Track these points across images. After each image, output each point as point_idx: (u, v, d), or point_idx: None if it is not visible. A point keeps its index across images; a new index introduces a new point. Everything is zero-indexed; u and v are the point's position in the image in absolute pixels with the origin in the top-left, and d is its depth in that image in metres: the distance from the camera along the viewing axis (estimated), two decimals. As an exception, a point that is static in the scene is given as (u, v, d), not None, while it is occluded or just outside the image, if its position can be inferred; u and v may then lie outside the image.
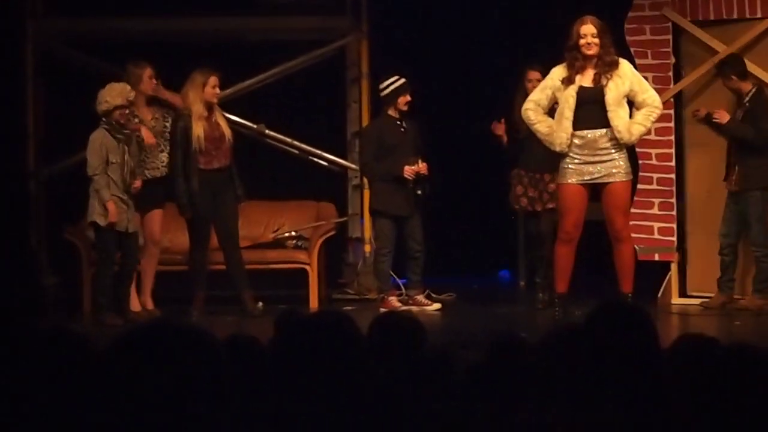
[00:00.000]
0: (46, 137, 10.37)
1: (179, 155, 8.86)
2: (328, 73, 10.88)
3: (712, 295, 9.08)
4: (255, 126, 10.59)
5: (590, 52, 8.21)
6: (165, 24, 10.39)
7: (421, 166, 9.16)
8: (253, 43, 10.70)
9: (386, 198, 9.25)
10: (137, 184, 8.68)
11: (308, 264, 9.74)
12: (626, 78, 8.25)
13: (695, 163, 9.43)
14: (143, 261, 9.02)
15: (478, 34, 11.31)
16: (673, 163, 9.31)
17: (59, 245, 9.78)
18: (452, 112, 11.31)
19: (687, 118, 9.42)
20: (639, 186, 9.13)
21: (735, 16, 9.23)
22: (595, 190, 8.35)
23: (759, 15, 9.17)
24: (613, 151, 8.22)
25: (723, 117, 9.02)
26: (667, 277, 9.37)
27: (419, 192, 9.20)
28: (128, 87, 8.67)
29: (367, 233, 10.51)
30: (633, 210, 8.78)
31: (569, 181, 8.27)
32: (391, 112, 9.31)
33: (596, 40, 8.21)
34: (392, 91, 9.24)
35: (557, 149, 8.28)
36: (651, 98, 8.30)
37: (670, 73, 9.31)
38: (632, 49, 9.22)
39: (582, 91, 8.21)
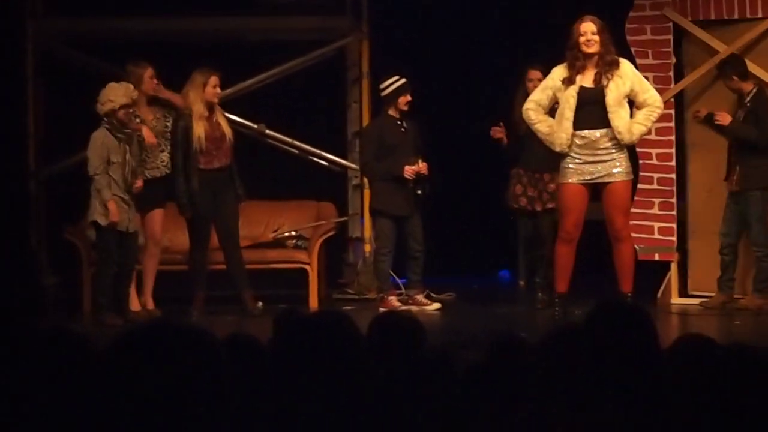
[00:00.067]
0: (46, 137, 10.37)
1: (180, 155, 8.87)
2: (329, 73, 10.88)
3: (713, 294, 9.09)
4: (255, 126, 10.59)
5: (590, 50, 8.21)
6: (165, 24, 10.39)
7: (422, 166, 9.16)
8: (253, 43, 10.71)
9: (386, 198, 9.25)
10: (138, 183, 8.68)
11: (308, 264, 9.74)
12: (627, 78, 8.25)
13: (696, 163, 9.43)
14: (144, 261, 9.02)
15: (478, 34, 11.31)
16: (673, 163, 9.31)
17: (59, 245, 9.77)
18: (452, 112, 11.32)
19: (688, 118, 9.42)
20: (639, 186, 9.13)
21: (736, 16, 9.23)
22: (596, 190, 8.35)
23: (760, 15, 9.17)
24: (613, 151, 8.22)
25: (725, 119, 9.02)
26: (667, 277, 9.37)
27: (419, 192, 9.21)
28: (131, 86, 8.68)
29: (367, 233, 10.51)
30: (633, 210, 8.78)
31: (570, 180, 8.27)
32: (392, 111, 9.31)
33: (596, 38, 8.21)
34: (393, 91, 9.25)
35: (558, 149, 8.28)
36: (652, 98, 8.30)
37: (671, 73, 9.31)
38: (633, 49, 9.22)
39: (583, 92, 8.21)
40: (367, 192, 10.12)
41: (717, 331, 8.01)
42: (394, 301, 9.28)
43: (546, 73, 8.63)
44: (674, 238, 9.33)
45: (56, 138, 10.31)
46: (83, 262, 9.44)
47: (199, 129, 8.84)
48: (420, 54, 11.02)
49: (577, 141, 8.23)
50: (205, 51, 10.08)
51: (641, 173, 9.19)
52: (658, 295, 9.32)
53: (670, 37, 9.34)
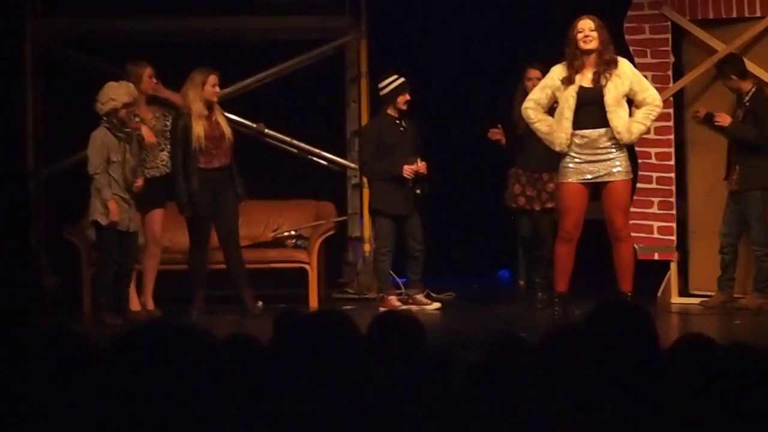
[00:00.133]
0: (46, 137, 10.38)
1: (179, 154, 8.86)
2: (328, 73, 10.88)
3: (713, 294, 9.09)
4: (254, 125, 10.59)
5: (588, 46, 8.19)
6: (165, 24, 10.40)
7: (420, 166, 9.16)
8: (252, 43, 10.71)
9: (385, 197, 9.25)
10: (139, 183, 8.68)
11: (308, 263, 9.74)
12: (625, 78, 8.24)
13: (697, 163, 9.43)
14: (144, 261, 9.02)
15: (478, 33, 11.31)
16: (672, 163, 9.32)
17: (59, 245, 9.77)
18: (452, 112, 11.32)
19: (688, 117, 9.43)
20: (638, 185, 9.13)
21: (734, 15, 9.23)
22: (595, 189, 8.34)
23: (758, 14, 9.17)
24: (613, 150, 8.22)
25: (724, 120, 9.02)
26: (667, 277, 9.37)
27: (418, 191, 9.21)
28: (132, 85, 8.68)
29: (367, 232, 10.52)
30: (632, 209, 8.77)
31: (569, 180, 8.27)
32: (391, 111, 9.31)
33: (594, 34, 8.20)
34: (392, 90, 9.25)
35: (557, 149, 8.27)
36: (651, 97, 8.29)
37: (670, 72, 9.31)
38: (631, 48, 9.22)
39: (582, 92, 8.20)
40: (366, 191, 10.12)
41: (717, 330, 8.01)
42: (394, 300, 9.28)
43: (545, 72, 8.63)
44: (674, 238, 9.33)
45: (56, 138, 10.32)
46: (83, 262, 9.44)
47: (198, 128, 8.84)
48: (419, 53, 11.02)
49: (577, 141, 8.23)
50: (204, 50, 10.09)
51: (640, 173, 9.19)
52: (658, 294, 9.32)
53: (669, 36, 9.34)
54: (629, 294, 8.27)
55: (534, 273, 9.67)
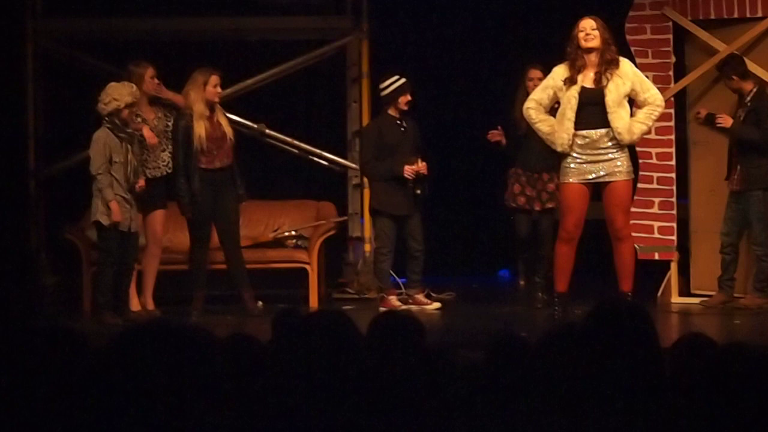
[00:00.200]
0: (46, 137, 10.38)
1: (181, 154, 8.86)
2: (329, 73, 10.88)
3: (714, 293, 9.09)
4: (255, 125, 10.59)
5: (589, 44, 8.18)
6: (165, 24, 10.40)
7: (421, 166, 9.16)
8: (253, 43, 10.71)
9: (386, 197, 9.25)
10: (141, 183, 8.68)
11: (308, 263, 9.74)
12: (627, 78, 8.23)
13: (699, 163, 9.43)
14: (144, 261, 9.02)
15: (479, 34, 11.31)
16: (673, 163, 9.32)
17: (59, 245, 9.77)
18: (452, 112, 11.32)
19: (690, 117, 9.43)
20: (639, 185, 9.12)
21: (736, 16, 9.23)
22: (596, 189, 8.34)
23: (760, 14, 9.17)
24: (614, 150, 8.21)
25: (726, 121, 9.03)
26: (667, 276, 9.37)
27: (418, 192, 9.21)
28: (134, 86, 8.68)
29: (367, 232, 10.51)
30: (633, 209, 8.77)
31: (571, 180, 8.26)
32: (392, 111, 9.31)
33: (595, 33, 8.20)
34: (393, 90, 9.24)
35: (559, 149, 8.27)
36: (652, 97, 8.28)
37: (671, 73, 9.31)
38: (633, 49, 9.22)
39: (583, 92, 8.20)
40: (367, 191, 10.12)
41: (717, 330, 8.01)
42: (394, 300, 9.28)
43: (546, 72, 8.63)
44: (674, 238, 9.33)
45: (56, 138, 10.32)
46: (83, 261, 9.44)
47: (200, 128, 8.83)
48: (420, 54, 11.02)
49: (578, 141, 8.22)
50: (205, 51, 10.09)
51: (641, 172, 9.18)
52: (658, 294, 9.32)
53: (670, 36, 9.34)
54: (629, 294, 8.27)
55: (530, 272, 9.68)
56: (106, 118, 8.57)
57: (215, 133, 8.91)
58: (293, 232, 10.08)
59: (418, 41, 11.20)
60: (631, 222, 8.63)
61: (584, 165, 8.23)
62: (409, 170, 9.14)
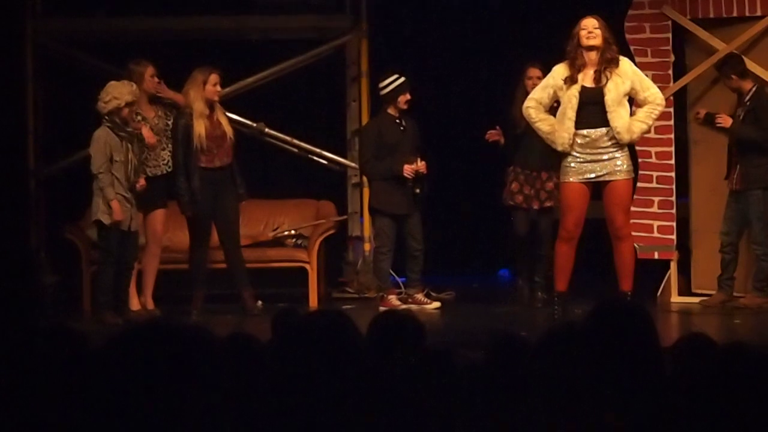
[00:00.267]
0: (46, 136, 10.37)
1: (181, 153, 8.86)
2: (328, 72, 10.88)
3: (714, 293, 9.09)
4: (255, 124, 10.59)
5: (591, 42, 8.17)
6: (165, 23, 10.40)
7: (421, 165, 9.16)
8: (253, 42, 10.71)
9: (385, 197, 9.25)
10: (142, 182, 8.68)
11: (308, 262, 9.74)
12: (626, 77, 8.23)
13: (700, 162, 9.43)
14: (144, 260, 9.02)
15: (478, 32, 11.31)
16: (672, 162, 9.32)
17: (59, 244, 9.77)
18: (452, 111, 11.32)
19: (691, 117, 9.43)
20: (639, 184, 9.12)
21: (735, 15, 9.23)
22: (596, 188, 8.34)
23: (759, 13, 9.17)
24: (615, 149, 8.21)
25: (726, 121, 9.04)
26: (667, 276, 9.37)
27: (418, 191, 9.20)
28: (134, 85, 8.68)
29: (367, 232, 10.51)
30: (632, 208, 8.76)
31: (571, 179, 8.26)
32: (391, 110, 9.31)
33: (597, 32, 8.19)
34: (392, 90, 9.24)
35: (560, 149, 8.26)
36: (653, 95, 8.27)
37: (670, 72, 9.31)
38: (632, 48, 9.22)
39: (583, 92, 8.20)
40: (366, 191, 10.11)
41: (716, 329, 8.01)
42: (393, 299, 9.28)
43: (545, 71, 8.63)
44: (674, 237, 9.33)
45: (56, 137, 10.32)
46: (83, 261, 9.44)
47: (200, 127, 8.83)
48: (419, 53, 11.02)
49: (579, 140, 8.22)
50: (204, 50, 10.09)
51: (641, 172, 9.18)
52: (658, 294, 9.32)
53: (669, 35, 9.34)
54: (629, 293, 8.27)
55: (524, 270, 9.68)
56: (106, 117, 8.57)
57: (215, 132, 8.91)
58: (293, 231, 10.08)
59: (418, 40, 11.20)
60: (631, 221, 8.62)
61: (584, 164, 8.23)
62: (408, 169, 9.14)
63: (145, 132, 8.81)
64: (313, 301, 9.61)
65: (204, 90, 8.87)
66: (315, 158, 10.76)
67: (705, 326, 7.97)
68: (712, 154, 9.26)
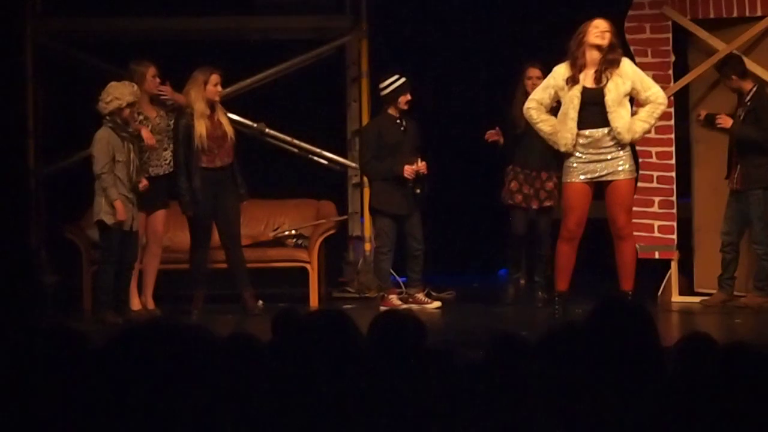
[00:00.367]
0: (46, 136, 10.37)
1: (182, 153, 8.86)
2: (328, 72, 10.88)
3: (715, 292, 9.09)
4: (255, 125, 10.59)
5: (602, 42, 8.16)
6: (165, 23, 10.40)
7: (421, 165, 9.16)
8: (253, 42, 10.71)
9: (385, 197, 9.25)
10: (144, 182, 8.68)
11: (308, 262, 9.74)
12: (627, 77, 8.22)
13: (702, 161, 9.43)
14: (145, 260, 9.02)
15: (479, 33, 11.31)
16: (673, 162, 9.32)
17: (59, 244, 9.77)
18: (452, 111, 11.32)
19: (693, 116, 9.43)
20: (639, 184, 9.11)
21: (735, 15, 9.23)
22: (597, 188, 8.33)
23: (759, 14, 9.17)
24: (617, 149, 8.20)
25: (726, 122, 9.04)
26: (668, 275, 9.37)
27: (418, 191, 9.21)
28: (135, 85, 8.68)
29: (368, 232, 10.51)
30: (633, 208, 8.76)
31: (574, 179, 8.25)
32: (391, 111, 9.31)
33: (608, 34, 8.18)
34: (393, 90, 9.24)
35: (562, 149, 8.25)
36: (654, 95, 8.26)
37: (670, 72, 9.31)
38: (632, 48, 9.22)
39: (585, 92, 8.19)
40: (367, 191, 10.11)
41: (717, 329, 8.01)
42: (394, 299, 9.28)
43: (545, 71, 8.62)
44: (674, 237, 9.33)
45: (56, 137, 10.32)
46: (83, 260, 9.44)
47: (200, 127, 8.84)
48: (419, 53, 11.02)
49: (581, 140, 8.21)
50: (204, 50, 10.08)
51: (641, 172, 9.17)
52: (659, 293, 9.32)
53: (670, 35, 9.34)
54: (630, 293, 8.27)
55: (517, 270, 9.69)
56: (107, 117, 8.57)
57: (216, 132, 8.92)
58: (293, 231, 10.08)
59: (418, 40, 11.20)
60: (632, 221, 8.62)
61: (587, 164, 8.22)
62: (409, 170, 9.14)
63: (145, 133, 8.81)
64: (314, 301, 9.61)
65: (205, 90, 8.88)
66: (315, 158, 10.76)
67: (706, 326, 7.97)
68: (714, 154, 9.26)
